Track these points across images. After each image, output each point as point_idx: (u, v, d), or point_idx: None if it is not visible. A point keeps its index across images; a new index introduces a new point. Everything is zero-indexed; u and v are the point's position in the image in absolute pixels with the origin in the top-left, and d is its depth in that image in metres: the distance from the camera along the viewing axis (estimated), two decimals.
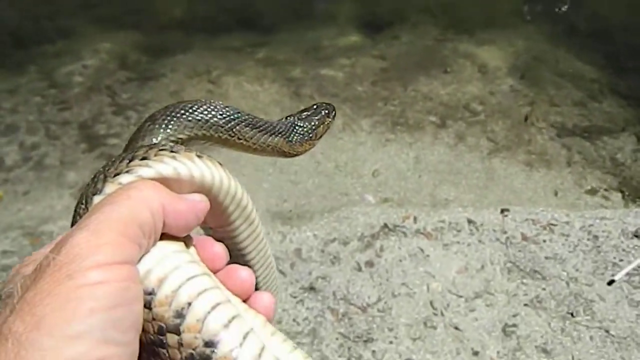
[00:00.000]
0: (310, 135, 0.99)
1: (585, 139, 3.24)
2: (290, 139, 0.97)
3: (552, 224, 2.60)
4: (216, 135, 0.86)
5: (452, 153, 3.12)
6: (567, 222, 2.61)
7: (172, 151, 0.53)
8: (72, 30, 4.12)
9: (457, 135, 3.25)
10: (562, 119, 3.38)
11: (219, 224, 0.62)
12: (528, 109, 3.44)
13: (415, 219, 2.62)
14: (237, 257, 0.67)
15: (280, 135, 0.95)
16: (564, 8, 4.72)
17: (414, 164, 3.06)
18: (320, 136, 1.02)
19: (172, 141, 0.76)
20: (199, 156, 0.54)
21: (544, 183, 2.94)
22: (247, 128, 0.88)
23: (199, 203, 0.52)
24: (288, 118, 0.99)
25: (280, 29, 4.23)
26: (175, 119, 0.80)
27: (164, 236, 0.50)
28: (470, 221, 2.61)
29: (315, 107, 1.02)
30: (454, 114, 3.39)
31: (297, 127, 0.98)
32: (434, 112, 3.42)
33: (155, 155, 0.52)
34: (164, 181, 0.51)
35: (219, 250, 0.56)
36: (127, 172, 0.50)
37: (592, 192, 2.89)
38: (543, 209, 2.70)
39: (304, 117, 1.00)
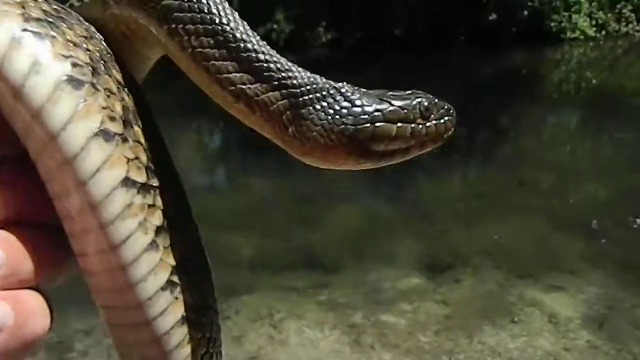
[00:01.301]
0: (358, 126, 0.56)
1: None
2: (303, 111, 0.56)
3: None
4: (141, 16, 0.56)
5: None
6: None
7: None
8: None
9: None
10: None
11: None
12: None
13: None
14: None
15: (283, 91, 0.56)
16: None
17: None
18: (385, 154, 0.58)
19: None
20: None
21: None
22: (212, 40, 0.55)
23: None
24: (341, 83, 0.59)
25: (341, 269, 4.38)
26: None
27: None
28: None
29: (410, 92, 0.61)
30: None
31: (337, 98, 0.57)
32: None
33: None
34: None
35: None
36: None
37: None
38: None
39: (371, 92, 0.59)
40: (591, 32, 12.55)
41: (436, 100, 0.61)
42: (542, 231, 4.93)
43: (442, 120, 0.61)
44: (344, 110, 0.56)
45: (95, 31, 0.55)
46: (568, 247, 4.64)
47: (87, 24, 0.54)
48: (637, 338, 3.42)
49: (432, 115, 0.60)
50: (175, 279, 0.53)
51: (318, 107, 0.56)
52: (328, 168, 0.60)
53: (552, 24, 12.19)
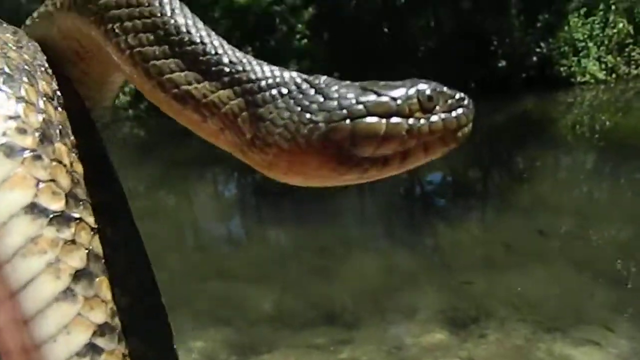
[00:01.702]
0: (332, 123, 0.42)
1: None
2: (262, 110, 0.43)
3: None
4: (82, 22, 0.48)
5: None
6: None
7: None
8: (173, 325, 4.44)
9: None
10: None
11: None
12: None
13: None
14: None
15: (236, 87, 0.44)
16: None
17: None
18: (374, 161, 0.44)
19: None
20: None
21: None
22: (152, 36, 0.45)
23: None
24: (317, 77, 0.46)
25: (362, 324, 4.29)
26: None
27: None
28: None
29: (410, 80, 0.48)
30: None
31: (306, 92, 0.44)
32: None
33: None
34: None
35: None
36: None
37: None
38: None
39: (355, 84, 0.46)
40: (601, 75, 12.66)
41: (444, 87, 0.47)
42: (566, 280, 4.81)
43: (453, 114, 0.47)
44: (314, 105, 0.43)
45: (32, 43, 0.50)
46: (595, 297, 4.51)
47: (21, 34, 0.49)
48: None
49: (438, 107, 0.46)
50: (102, 343, 0.41)
51: (281, 104, 0.43)
52: (306, 185, 0.47)
53: (562, 69, 12.34)
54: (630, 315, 4.19)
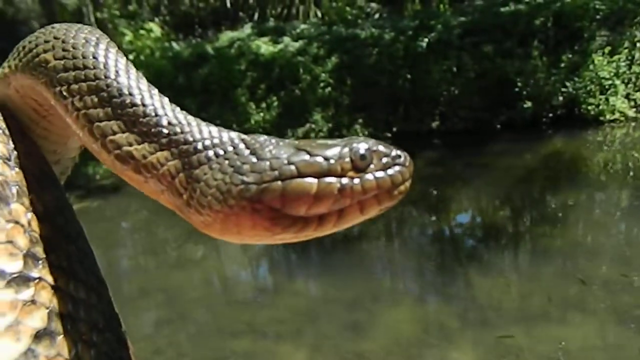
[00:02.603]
0: (262, 184, 0.43)
1: None
2: (197, 172, 0.44)
3: None
4: (35, 83, 0.50)
5: None
6: None
7: None
8: None
9: None
10: None
11: None
12: None
13: None
14: None
15: (173, 149, 0.45)
16: None
17: None
18: (308, 220, 0.44)
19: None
20: None
21: None
22: (96, 99, 0.46)
23: None
24: (255, 137, 0.47)
25: None
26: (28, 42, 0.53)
27: None
28: None
29: (348, 138, 0.48)
30: None
31: (241, 152, 0.45)
32: None
33: None
34: None
35: None
36: None
37: None
38: None
39: (288, 142, 0.46)
40: (631, 112, 12.40)
41: (380, 146, 0.47)
42: (611, 333, 4.56)
43: (387, 172, 0.47)
44: (246, 166, 0.43)
45: None
46: None
47: None
48: None
49: (372, 166, 0.46)
50: None
51: (215, 165, 0.44)
52: (242, 243, 0.47)
53: (590, 107, 12.17)
54: None
